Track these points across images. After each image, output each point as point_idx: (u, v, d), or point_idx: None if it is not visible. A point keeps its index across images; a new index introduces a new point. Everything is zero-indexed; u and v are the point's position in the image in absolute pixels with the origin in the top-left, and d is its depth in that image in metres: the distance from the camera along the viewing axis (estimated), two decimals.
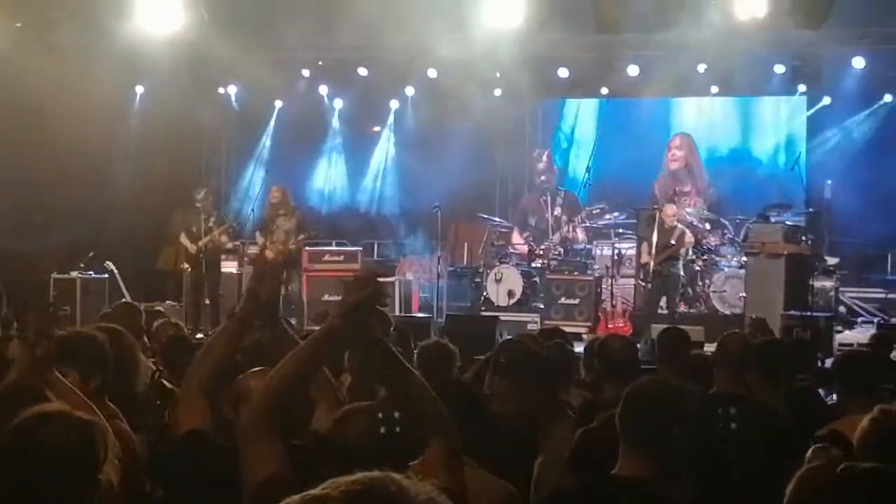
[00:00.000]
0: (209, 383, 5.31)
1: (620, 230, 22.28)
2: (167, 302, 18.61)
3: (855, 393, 7.26)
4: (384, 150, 25.33)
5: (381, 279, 4.87)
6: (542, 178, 24.24)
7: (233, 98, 24.23)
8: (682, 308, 20.08)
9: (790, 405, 7.47)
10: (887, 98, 21.58)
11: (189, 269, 20.08)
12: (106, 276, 19.96)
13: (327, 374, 5.18)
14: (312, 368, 4.56)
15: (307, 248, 20.58)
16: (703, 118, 23.98)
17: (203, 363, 5.48)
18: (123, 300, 13.21)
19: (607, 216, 22.54)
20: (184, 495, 5.17)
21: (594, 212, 22.65)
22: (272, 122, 24.93)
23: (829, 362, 13.11)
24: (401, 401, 4.29)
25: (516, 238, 23.29)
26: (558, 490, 5.21)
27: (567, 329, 15.37)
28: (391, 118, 25.30)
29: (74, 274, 19.65)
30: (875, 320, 19.41)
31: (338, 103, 25.07)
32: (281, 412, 4.37)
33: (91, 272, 19.89)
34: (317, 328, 4.98)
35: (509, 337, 12.65)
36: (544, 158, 24.43)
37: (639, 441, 4.64)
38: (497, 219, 23.36)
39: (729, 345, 8.18)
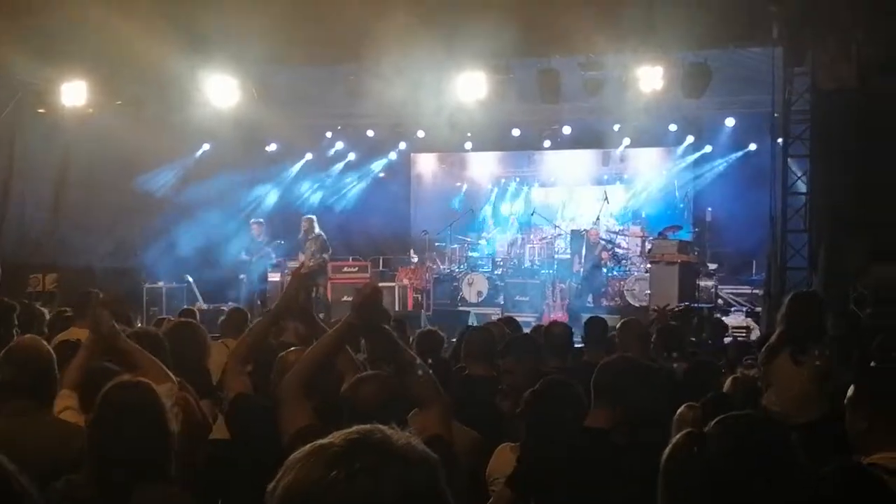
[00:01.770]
0: (247, 356, 5.49)
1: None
2: (230, 303, 18.65)
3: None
4: (388, 188, 25.39)
5: (380, 287, 4.95)
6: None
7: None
8: (604, 302, 20.20)
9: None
10: (752, 146, 21.73)
11: (244, 279, 20.16)
12: (185, 285, 19.96)
13: (350, 353, 5.21)
14: (335, 349, 4.62)
15: (331, 261, 20.69)
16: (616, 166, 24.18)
17: (242, 342, 5.61)
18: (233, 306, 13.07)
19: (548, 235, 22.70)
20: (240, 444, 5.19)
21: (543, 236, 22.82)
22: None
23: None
24: (399, 371, 4.33)
25: (483, 248, 23.39)
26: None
27: (520, 319, 15.42)
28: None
29: (161, 283, 19.62)
30: (744, 309, 19.56)
31: (351, 155, 25.14)
32: (312, 380, 4.41)
33: (173, 283, 19.91)
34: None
35: (474, 324, 12.76)
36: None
37: (605, 401, 4.68)
38: (469, 238, 23.42)
39: (631, 326, 8.31)
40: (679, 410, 4.93)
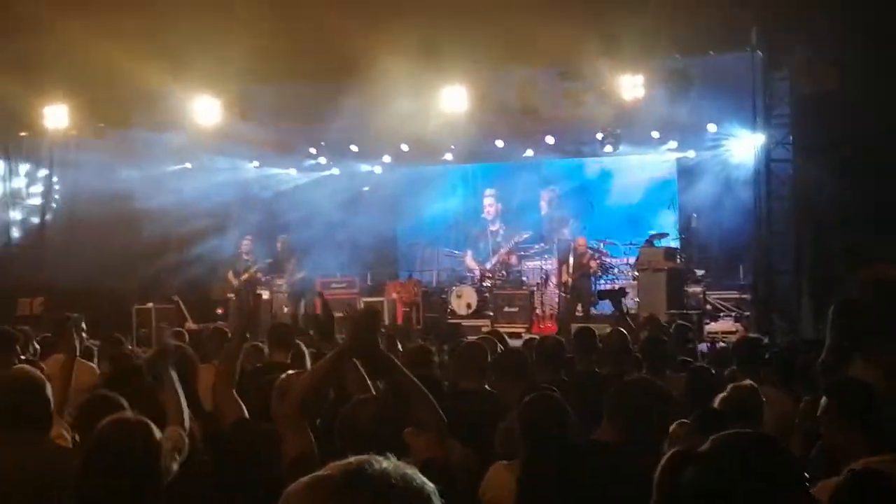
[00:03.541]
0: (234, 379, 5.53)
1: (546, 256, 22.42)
2: (219, 322, 18.58)
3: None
4: (373, 203, 25.36)
5: (377, 310, 4.93)
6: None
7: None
8: (593, 311, 20.15)
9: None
10: (735, 151, 21.59)
11: (234, 298, 20.14)
12: (172, 305, 19.90)
13: (362, 372, 5.18)
14: (331, 374, 4.61)
15: (320, 277, 20.78)
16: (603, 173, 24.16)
17: (231, 365, 5.71)
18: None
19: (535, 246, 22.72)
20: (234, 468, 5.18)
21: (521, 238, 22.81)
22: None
23: (701, 346, 13.19)
24: (398, 394, 4.32)
25: (469, 261, 23.32)
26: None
27: (510, 330, 15.41)
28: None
29: (150, 304, 19.57)
30: (733, 314, 19.57)
31: (334, 170, 25.14)
32: (311, 404, 4.41)
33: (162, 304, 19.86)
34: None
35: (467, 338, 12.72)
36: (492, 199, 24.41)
37: (620, 418, 4.70)
38: (457, 252, 23.45)
39: (611, 340, 8.30)
40: (671, 428, 4.94)
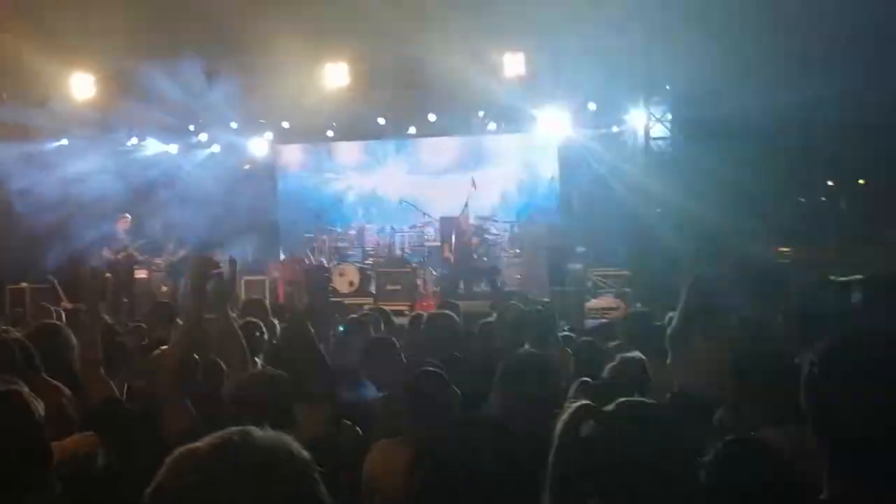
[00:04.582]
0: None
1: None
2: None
3: None
4: (253, 181, 25.03)
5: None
6: None
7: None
8: (474, 289, 20.24)
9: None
10: (615, 129, 21.78)
11: (110, 276, 19.69)
12: (47, 285, 19.41)
13: (245, 353, 5.10)
14: (194, 343, 4.58)
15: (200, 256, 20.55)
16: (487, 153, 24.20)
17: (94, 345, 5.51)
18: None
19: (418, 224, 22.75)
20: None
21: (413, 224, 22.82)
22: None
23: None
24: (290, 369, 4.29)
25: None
26: None
27: (392, 307, 15.39)
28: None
29: (24, 284, 19.05)
30: (612, 290, 19.81)
31: (215, 147, 24.76)
32: (184, 376, 4.36)
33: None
34: None
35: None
36: None
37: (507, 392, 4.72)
38: (339, 229, 23.39)
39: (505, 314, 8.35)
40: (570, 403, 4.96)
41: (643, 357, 5.87)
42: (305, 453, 1.92)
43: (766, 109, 14.70)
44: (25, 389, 4.11)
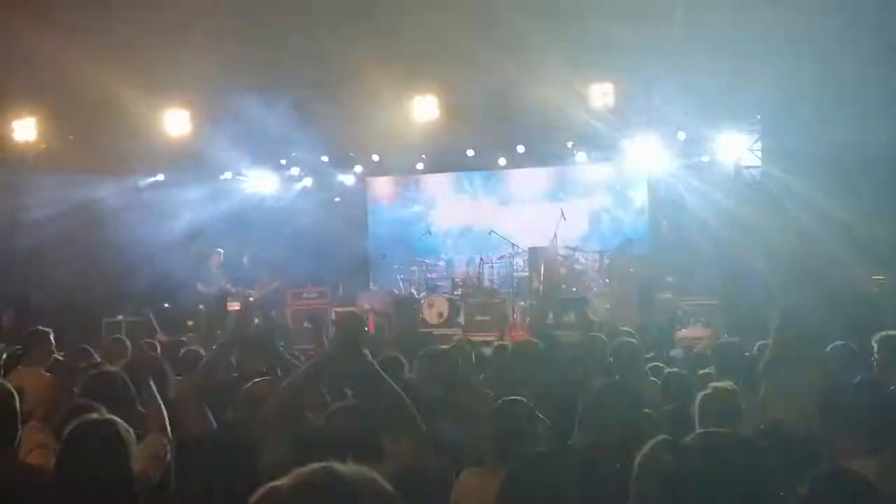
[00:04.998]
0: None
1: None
2: (190, 335, 18.42)
3: None
4: (344, 213, 25.27)
5: (361, 315, 4.91)
6: None
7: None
8: (565, 319, 20.10)
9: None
10: (704, 159, 21.66)
11: (203, 310, 20.05)
12: (142, 318, 19.77)
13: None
14: (310, 384, 4.58)
15: (291, 289, 20.79)
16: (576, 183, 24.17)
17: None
18: None
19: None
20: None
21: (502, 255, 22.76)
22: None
23: (673, 352, 13.23)
24: (376, 402, 4.28)
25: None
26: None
27: (481, 338, 15.37)
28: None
29: (120, 317, 19.43)
30: (702, 319, 19.55)
31: (306, 181, 25.07)
32: (289, 413, 4.37)
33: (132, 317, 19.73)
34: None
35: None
36: None
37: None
38: (428, 260, 23.45)
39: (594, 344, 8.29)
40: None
41: (735, 387, 5.79)
42: (390, 487, 1.91)
43: (858, 138, 14.48)
44: (120, 421, 4.21)
